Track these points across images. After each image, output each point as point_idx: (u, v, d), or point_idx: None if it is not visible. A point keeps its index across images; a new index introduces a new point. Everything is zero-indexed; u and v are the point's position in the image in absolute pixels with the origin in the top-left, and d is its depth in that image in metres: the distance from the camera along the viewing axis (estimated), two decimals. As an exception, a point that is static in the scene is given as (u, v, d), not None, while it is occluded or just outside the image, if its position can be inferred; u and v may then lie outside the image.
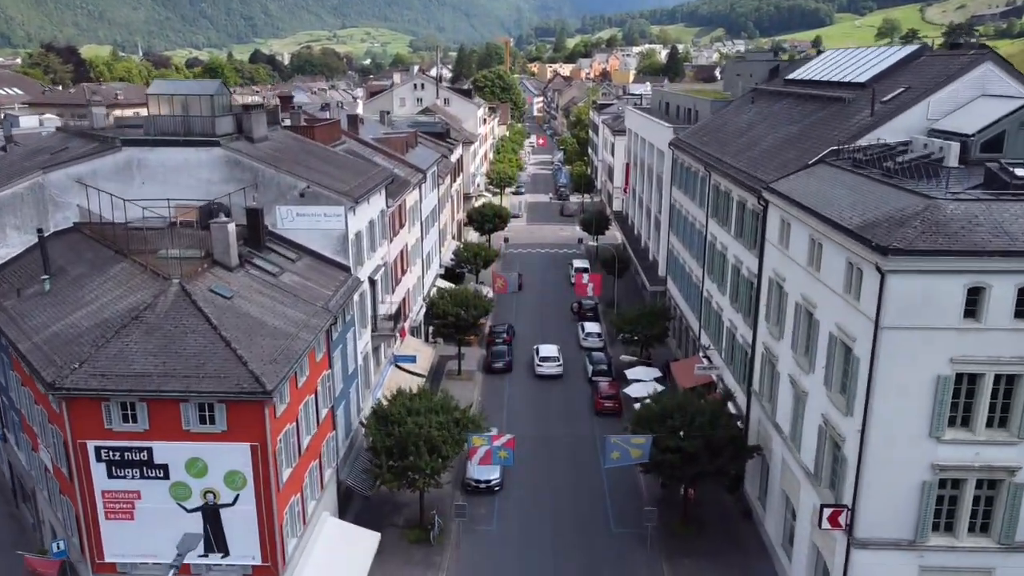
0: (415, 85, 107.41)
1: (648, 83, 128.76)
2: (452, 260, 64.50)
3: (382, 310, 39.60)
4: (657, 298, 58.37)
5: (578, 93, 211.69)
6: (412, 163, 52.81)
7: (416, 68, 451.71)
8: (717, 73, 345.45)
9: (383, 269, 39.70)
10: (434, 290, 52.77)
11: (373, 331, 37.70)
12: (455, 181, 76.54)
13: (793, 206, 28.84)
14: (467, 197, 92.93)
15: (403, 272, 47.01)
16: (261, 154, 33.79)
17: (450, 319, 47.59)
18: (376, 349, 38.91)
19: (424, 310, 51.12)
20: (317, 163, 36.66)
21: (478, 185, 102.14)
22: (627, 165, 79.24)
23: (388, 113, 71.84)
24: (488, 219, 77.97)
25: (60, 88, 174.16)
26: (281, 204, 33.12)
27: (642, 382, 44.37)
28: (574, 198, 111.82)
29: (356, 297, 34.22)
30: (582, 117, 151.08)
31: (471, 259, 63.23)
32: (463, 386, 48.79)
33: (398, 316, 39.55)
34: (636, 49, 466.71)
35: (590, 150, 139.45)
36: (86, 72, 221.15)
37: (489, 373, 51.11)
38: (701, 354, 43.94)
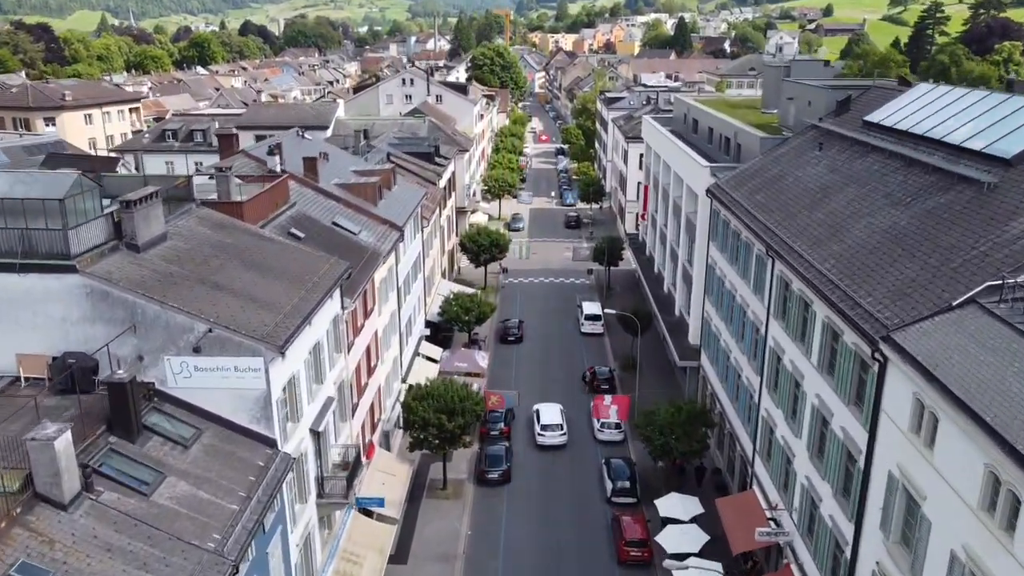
0: (404, 81, 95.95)
1: (661, 73, 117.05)
2: (439, 315, 54.00)
3: (333, 456, 29.29)
4: (688, 378, 47.98)
5: (582, 73, 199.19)
6: (386, 218, 42.13)
7: (414, 39, 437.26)
8: (727, 46, 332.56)
9: (334, 403, 29.32)
10: (412, 381, 42.27)
11: (319, 498, 27.42)
12: (445, 205, 65.76)
13: (945, 398, 18.40)
14: (461, 212, 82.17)
15: (370, 373, 36.62)
16: (145, 275, 23.24)
17: (431, 430, 37.29)
18: (325, 518, 28.67)
19: (400, 408, 40.72)
20: (237, 271, 26.05)
21: (474, 194, 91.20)
22: (645, 188, 68.34)
23: (366, 136, 60.65)
24: (484, 249, 67.32)
25: (21, 74, 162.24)
26: (172, 354, 22.66)
27: (679, 524, 34.21)
28: (581, 204, 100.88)
29: (289, 475, 23.90)
30: (588, 105, 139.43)
31: (461, 315, 52.74)
32: (447, 510, 38.66)
33: (356, 465, 29.24)
34: (641, 19, 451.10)
35: (597, 145, 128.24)
36: (60, 51, 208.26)
37: (482, 484, 40.94)
38: (758, 491, 33.70)
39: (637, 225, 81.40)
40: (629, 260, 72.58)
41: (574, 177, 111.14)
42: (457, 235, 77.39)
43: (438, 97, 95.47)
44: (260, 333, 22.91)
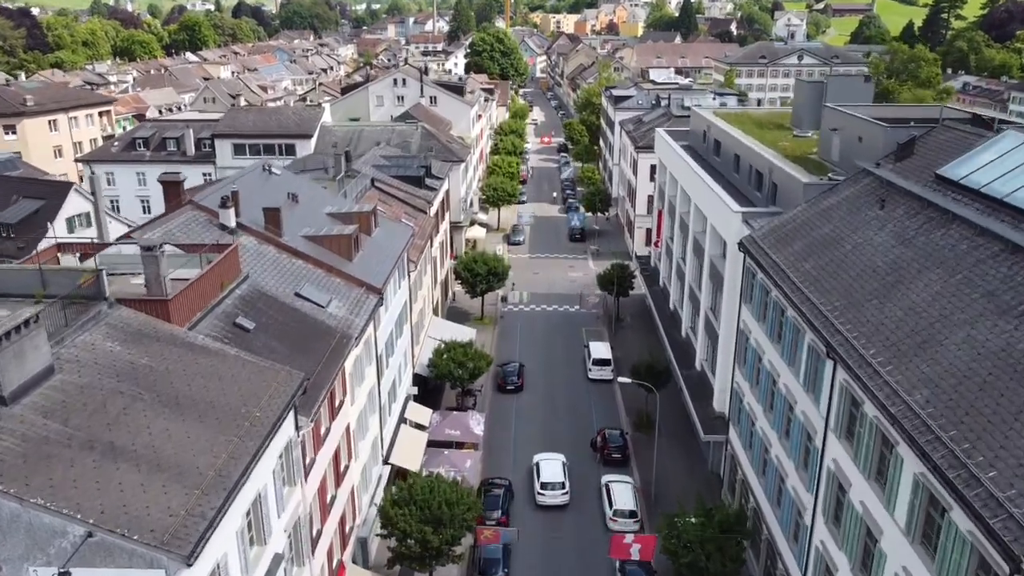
0: (395, 81, 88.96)
1: (671, 70, 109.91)
2: (429, 368, 47.75)
3: (285, 624, 23.18)
4: (712, 450, 41.87)
5: (585, 60, 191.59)
6: (363, 279, 35.75)
7: (412, 20, 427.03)
8: (733, 28, 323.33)
9: (285, 558, 23.14)
10: (395, 461, 36.11)
11: None
12: (438, 231, 59.33)
13: None
14: (456, 226, 75.70)
15: (339, 482, 30.41)
16: (6, 446, 16.95)
17: (413, 544, 31.19)
18: None
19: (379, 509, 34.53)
20: (146, 416, 19.70)
21: (470, 204, 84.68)
22: (659, 213, 61.82)
23: (348, 159, 53.77)
24: (481, 278, 61.00)
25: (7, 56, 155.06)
26: (41, 564, 16.44)
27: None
28: (582, 210, 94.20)
29: None
30: (592, 99, 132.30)
31: (454, 369, 46.50)
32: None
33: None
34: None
35: (602, 143, 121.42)
36: (43, 37, 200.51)
37: (477, 597, 34.86)
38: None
39: (648, 243, 75.07)
40: (639, 284, 66.15)
41: (579, 187, 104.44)
42: (452, 255, 71.03)
43: (432, 99, 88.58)
44: (161, 533, 16.61)
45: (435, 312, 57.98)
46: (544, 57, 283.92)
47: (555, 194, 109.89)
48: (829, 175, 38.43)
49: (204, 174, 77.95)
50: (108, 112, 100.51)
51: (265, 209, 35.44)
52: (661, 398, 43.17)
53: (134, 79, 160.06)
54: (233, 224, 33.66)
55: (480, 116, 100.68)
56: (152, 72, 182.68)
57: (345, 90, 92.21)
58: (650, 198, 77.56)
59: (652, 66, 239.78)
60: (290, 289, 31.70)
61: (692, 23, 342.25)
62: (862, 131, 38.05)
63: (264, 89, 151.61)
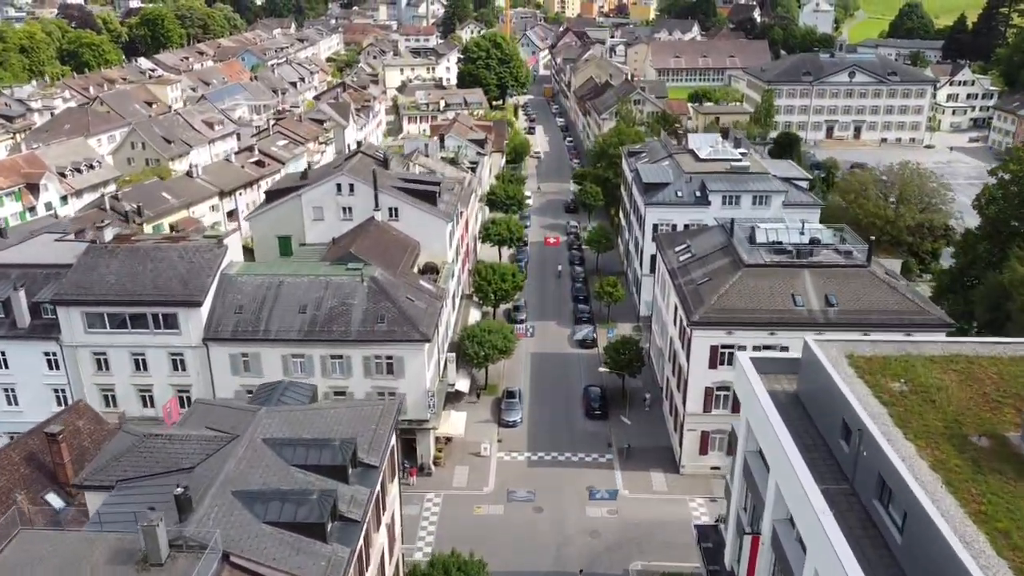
0: (339, 187, 62.73)
1: (716, 137, 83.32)
2: None
3: None
4: None
5: (596, 73, 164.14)
6: None
7: (405, 2, 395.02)
8: (756, 15, 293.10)
9: None
10: None
11: None
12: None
13: None
14: (416, 430, 50.30)
15: None
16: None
17: None
18: None
19: None
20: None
21: (433, 406, 59.30)
22: (755, 541, 36.34)
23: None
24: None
25: None
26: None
27: None
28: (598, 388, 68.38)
29: None
30: (607, 148, 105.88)
31: None
32: None
33: None
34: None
35: (620, 215, 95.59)
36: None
37: None
38: None
39: (703, 450, 50.82)
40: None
41: (592, 292, 78.54)
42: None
43: (392, 211, 62.68)
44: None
45: None
46: (547, 53, 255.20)
47: (563, 291, 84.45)
48: None
49: (47, 355, 52.76)
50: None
51: None
52: None
53: (61, 104, 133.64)
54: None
55: (462, 226, 74.52)
56: (91, 89, 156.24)
57: (272, 195, 66.21)
58: (708, 391, 52.40)
59: (670, 67, 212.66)
60: None
61: (711, 7, 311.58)
62: None
63: (211, 126, 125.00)
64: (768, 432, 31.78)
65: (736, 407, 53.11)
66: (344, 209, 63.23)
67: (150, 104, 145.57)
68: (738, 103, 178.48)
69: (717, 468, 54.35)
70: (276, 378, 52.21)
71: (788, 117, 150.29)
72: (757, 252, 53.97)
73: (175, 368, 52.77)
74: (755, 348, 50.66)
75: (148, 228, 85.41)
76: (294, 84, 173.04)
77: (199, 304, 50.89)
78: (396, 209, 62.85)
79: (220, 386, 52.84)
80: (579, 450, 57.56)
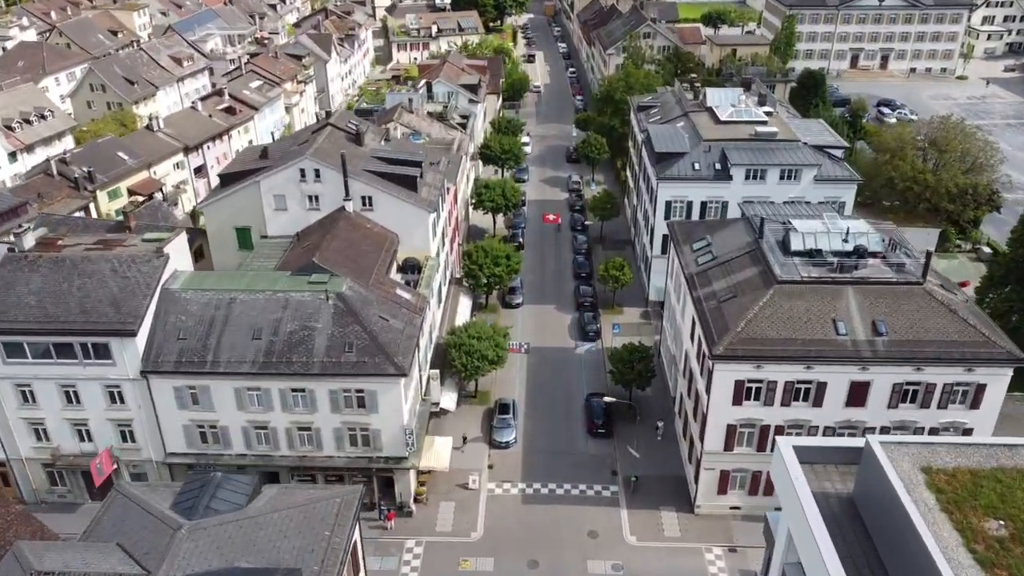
0: (302, 173, 53.86)
1: (739, 92, 73.44)
2: None
3: None
4: None
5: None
6: None
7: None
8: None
9: None
10: None
11: None
12: None
13: None
14: (391, 471, 43.61)
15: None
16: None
17: None
18: None
19: None
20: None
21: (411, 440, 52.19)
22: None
23: None
24: None
25: None
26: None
27: None
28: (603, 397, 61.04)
29: None
30: (614, 94, 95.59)
31: None
32: None
33: None
34: None
35: (628, 174, 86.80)
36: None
37: None
38: None
39: (723, 489, 44.34)
40: None
41: (598, 277, 70.48)
42: None
43: (366, 200, 54.07)
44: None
45: None
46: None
47: (564, 277, 76.62)
48: None
49: (-38, 387, 45.36)
50: None
51: None
52: None
53: (13, 43, 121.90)
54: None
55: (450, 200, 65.72)
56: (53, 14, 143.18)
57: (226, 179, 57.11)
58: (730, 428, 45.22)
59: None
60: None
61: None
62: None
63: (179, 62, 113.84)
64: (812, 551, 24.76)
65: (762, 444, 46.26)
66: (310, 198, 54.61)
67: (115, 33, 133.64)
68: (754, 24, 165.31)
69: (737, 508, 47.81)
70: (229, 413, 45.42)
71: (810, 45, 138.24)
72: (792, 264, 45.75)
73: (112, 401, 45.50)
74: (786, 385, 43.35)
75: (103, 195, 76.89)
76: (273, 7, 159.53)
77: (133, 333, 43.16)
78: (370, 198, 54.24)
79: (166, 421, 45.72)
80: (580, 479, 50.85)
